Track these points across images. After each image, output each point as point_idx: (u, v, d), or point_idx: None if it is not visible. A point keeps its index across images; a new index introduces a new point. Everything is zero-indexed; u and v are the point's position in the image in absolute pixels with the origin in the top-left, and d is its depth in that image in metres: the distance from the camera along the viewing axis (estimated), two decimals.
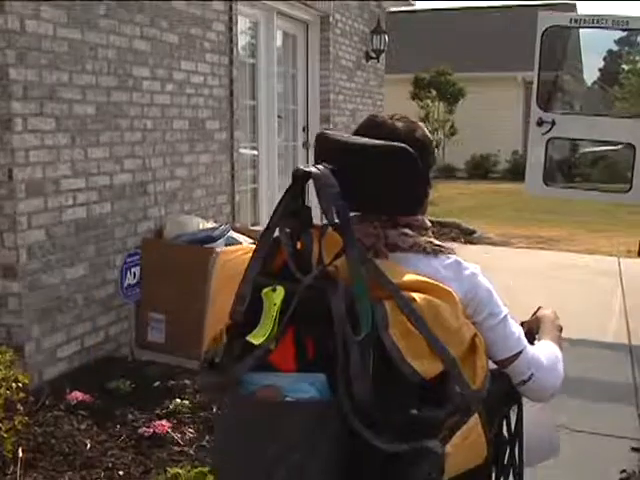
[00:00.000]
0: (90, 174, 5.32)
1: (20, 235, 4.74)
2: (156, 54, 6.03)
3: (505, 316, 1.95)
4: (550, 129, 7.72)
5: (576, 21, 8.15)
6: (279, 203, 1.78)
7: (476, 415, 1.77)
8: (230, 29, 7.20)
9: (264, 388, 1.71)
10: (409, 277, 1.74)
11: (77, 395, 4.62)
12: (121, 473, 3.90)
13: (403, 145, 1.86)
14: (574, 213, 15.19)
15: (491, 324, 1.91)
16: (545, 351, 2.08)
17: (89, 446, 4.12)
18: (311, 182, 1.74)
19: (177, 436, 4.27)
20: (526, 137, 7.89)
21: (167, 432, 4.26)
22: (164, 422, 4.34)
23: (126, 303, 5.64)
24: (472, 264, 1.94)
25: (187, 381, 5.07)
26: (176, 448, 4.16)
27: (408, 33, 26.10)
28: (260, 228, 8.13)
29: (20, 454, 3.87)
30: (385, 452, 1.63)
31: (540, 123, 7.74)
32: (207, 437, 4.31)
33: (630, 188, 8.04)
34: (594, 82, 42.76)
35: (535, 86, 8.05)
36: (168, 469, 3.78)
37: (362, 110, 11.35)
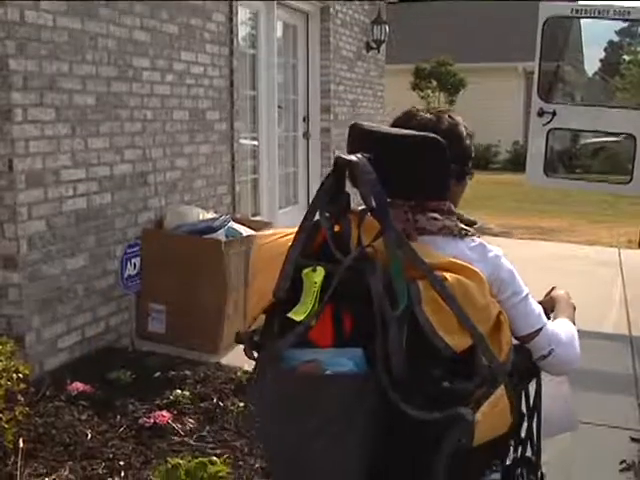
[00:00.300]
0: (90, 164, 5.31)
1: (20, 226, 4.74)
2: (156, 45, 6.02)
3: (526, 295, 2.07)
4: (551, 120, 7.71)
5: (577, 11, 8.12)
6: (320, 189, 1.91)
7: (502, 386, 1.85)
8: (230, 19, 7.18)
9: (305, 363, 1.81)
10: (440, 258, 1.86)
11: (78, 386, 4.62)
12: (122, 463, 3.90)
13: (432, 135, 1.98)
14: (575, 204, 15.19)
15: (514, 302, 2.03)
16: (563, 328, 2.21)
17: (90, 436, 4.12)
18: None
19: (177, 426, 4.27)
20: (527, 128, 7.88)
21: (167, 422, 4.26)
22: (164, 412, 4.34)
23: (126, 294, 5.64)
24: (495, 247, 2.07)
25: (187, 372, 5.08)
26: (176, 438, 4.17)
27: (409, 23, 26.04)
28: (260, 218, 8.14)
29: (21, 444, 3.87)
30: (419, 421, 1.74)
31: (541, 114, 7.72)
32: (207, 427, 4.32)
33: (631, 179, 8.03)
34: (595, 73, 42.68)
35: (536, 76, 8.04)
36: (168, 459, 3.78)
37: (362, 100, 11.34)
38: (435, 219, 2.02)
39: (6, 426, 3.80)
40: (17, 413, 3.93)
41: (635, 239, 8.71)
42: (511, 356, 1.88)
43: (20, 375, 3.96)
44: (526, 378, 2.19)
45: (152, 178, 6.01)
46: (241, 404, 4.58)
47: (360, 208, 1.91)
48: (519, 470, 2.21)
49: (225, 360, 5.44)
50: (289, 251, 1.91)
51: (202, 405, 4.58)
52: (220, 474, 3.65)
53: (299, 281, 1.86)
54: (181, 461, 3.70)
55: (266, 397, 1.93)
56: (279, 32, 9.09)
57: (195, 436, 4.22)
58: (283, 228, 2.11)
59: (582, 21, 10.77)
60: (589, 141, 22.44)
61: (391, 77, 14.30)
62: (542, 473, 2.28)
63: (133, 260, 5.58)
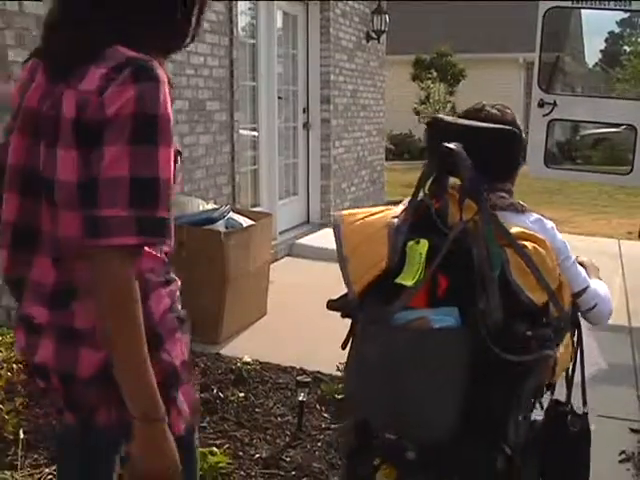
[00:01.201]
0: None
1: None
2: None
3: (575, 260, 2.53)
4: (551, 111, 7.69)
5: (578, 1, 8.11)
6: (423, 172, 2.28)
7: (568, 333, 2.37)
8: (230, 9, 7.17)
9: (414, 320, 2.12)
10: (516, 230, 2.25)
11: None
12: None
13: (509, 127, 2.42)
14: (575, 195, 15.20)
15: (566, 265, 2.43)
16: (601, 287, 2.66)
17: None
18: None
19: None
20: (527, 118, 7.85)
21: None
22: None
23: None
24: (549, 220, 2.50)
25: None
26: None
27: (409, 14, 26.01)
28: (260, 209, 8.13)
29: (21, 435, 3.87)
30: (507, 364, 2.09)
31: (541, 104, 7.71)
32: (207, 418, 4.32)
33: (631, 170, 8.03)
34: (596, 63, 42.66)
35: (536, 67, 8.02)
36: None
37: (362, 91, 11.32)
38: (503, 197, 2.42)
39: (6, 417, 3.81)
40: (17, 404, 3.94)
41: (635, 230, 8.70)
42: (570, 309, 2.36)
43: (20, 366, 3.96)
44: (573, 328, 2.55)
45: None
46: (241, 394, 4.59)
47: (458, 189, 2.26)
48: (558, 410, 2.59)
49: (225, 351, 5.44)
50: (399, 227, 2.24)
51: (202, 396, 4.58)
52: (220, 464, 3.66)
53: (401, 252, 2.20)
54: None
55: (369, 354, 2.19)
56: (279, 22, 9.07)
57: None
58: (358, 209, 2.50)
59: (583, 12, 10.77)
60: (589, 132, 22.45)
61: (391, 68, 14.28)
62: (586, 413, 2.65)
63: None
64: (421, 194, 2.28)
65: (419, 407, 2.14)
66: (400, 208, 2.35)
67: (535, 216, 2.46)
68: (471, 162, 2.18)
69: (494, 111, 2.54)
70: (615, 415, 4.62)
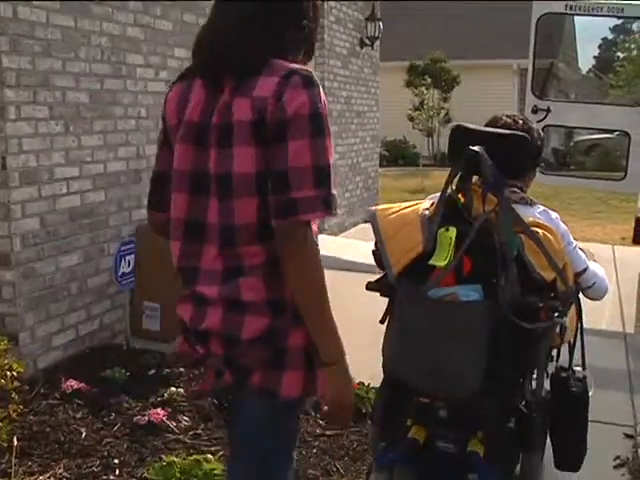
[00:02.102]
0: (84, 162, 5.31)
1: (14, 224, 4.74)
2: (150, 41, 6.00)
3: (576, 244, 3.03)
4: (545, 117, 7.71)
5: (571, 8, 8.12)
6: (451, 172, 2.67)
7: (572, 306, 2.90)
8: None
9: (446, 295, 2.55)
10: (527, 219, 2.72)
11: (72, 383, 4.62)
12: (116, 461, 3.90)
13: (520, 133, 2.88)
14: (569, 201, 15.21)
15: (569, 249, 2.91)
16: (598, 269, 3.17)
17: (84, 434, 4.12)
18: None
19: (172, 424, 4.27)
20: None
21: (162, 420, 4.26)
22: (159, 410, 4.34)
23: (121, 291, 5.63)
24: (553, 212, 2.99)
25: (182, 369, 5.07)
26: (171, 436, 4.17)
27: (403, 20, 26.05)
28: None
29: (15, 443, 3.87)
30: (523, 331, 2.54)
31: (535, 111, 7.73)
32: (202, 425, 4.31)
33: (625, 176, 8.05)
34: (589, 70, 42.76)
35: (530, 74, 8.05)
36: (163, 457, 3.79)
37: (356, 97, 11.33)
38: (515, 192, 2.89)
39: (0, 424, 3.80)
40: (11, 411, 3.93)
41: (629, 236, 8.71)
42: (574, 286, 2.89)
43: (14, 373, 3.96)
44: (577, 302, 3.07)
45: (146, 175, 6.00)
46: None
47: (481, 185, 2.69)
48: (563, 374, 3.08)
49: None
50: (433, 216, 2.63)
51: (196, 403, 4.57)
52: (215, 471, 3.65)
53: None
54: (176, 459, 3.70)
55: (410, 324, 2.64)
56: None
57: (190, 434, 4.22)
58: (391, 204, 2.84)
59: (576, 18, 10.80)
60: (583, 138, 22.47)
61: (385, 74, 14.29)
62: (585, 376, 3.09)
63: (127, 258, 5.57)
64: (449, 190, 2.67)
65: (453, 366, 2.53)
66: (428, 203, 2.76)
67: (542, 208, 2.97)
68: (492, 162, 2.61)
69: (509, 120, 3.08)
70: (610, 421, 4.62)
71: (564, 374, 3.08)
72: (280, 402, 2.18)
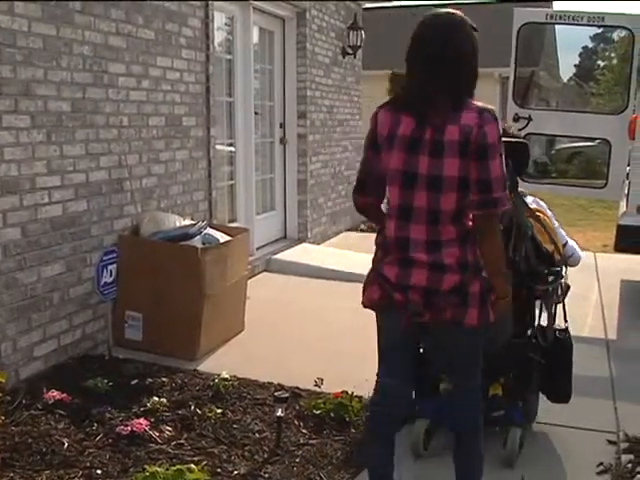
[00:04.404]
0: (66, 172, 5.29)
1: None
2: (132, 50, 5.99)
3: (559, 224, 4.51)
4: (526, 125, 7.76)
5: (552, 17, 8.19)
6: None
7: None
8: (206, 25, 7.17)
9: None
10: (531, 206, 4.26)
11: (54, 394, 4.59)
12: (99, 472, 3.88)
13: (521, 140, 4.37)
14: (552, 212, 15.23)
15: (556, 228, 4.40)
16: (574, 243, 4.65)
17: (66, 445, 4.09)
18: None
19: (155, 434, 4.25)
20: None
21: (145, 430, 4.24)
22: (142, 420, 4.31)
23: (103, 301, 5.61)
24: (540, 200, 4.45)
25: (165, 379, 5.06)
26: (154, 446, 4.14)
27: (385, 29, 26.09)
28: (237, 225, 8.12)
29: None
30: (538, 290, 4.14)
31: (517, 119, 7.77)
32: (185, 435, 4.30)
33: (606, 184, 8.09)
34: (570, 78, 42.97)
35: (511, 82, 8.09)
36: (146, 467, 3.76)
37: (339, 106, 11.35)
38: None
39: None
40: None
41: (610, 243, 8.74)
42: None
43: None
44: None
45: (128, 185, 5.98)
46: (219, 411, 4.57)
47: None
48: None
49: (202, 367, 5.42)
50: None
51: (180, 412, 4.56)
52: None
53: None
54: (159, 469, 3.68)
55: None
56: (255, 38, 9.08)
57: (173, 443, 4.20)
58: None
59: (557, 27, 10.85)
60: (565, 146, 22.58)
61: (367, 83, 14.31)
62: (567, 327, 4.39)
63: (109, 267, 5.55)
64: None
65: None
66: None
67: (532, 198, 4.40)
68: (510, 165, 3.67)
69: (516, 131, 4.62)
70: (593, 427, 4.63)
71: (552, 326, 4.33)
72: (464, 329, 3.21)
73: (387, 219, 3.26)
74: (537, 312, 4.29)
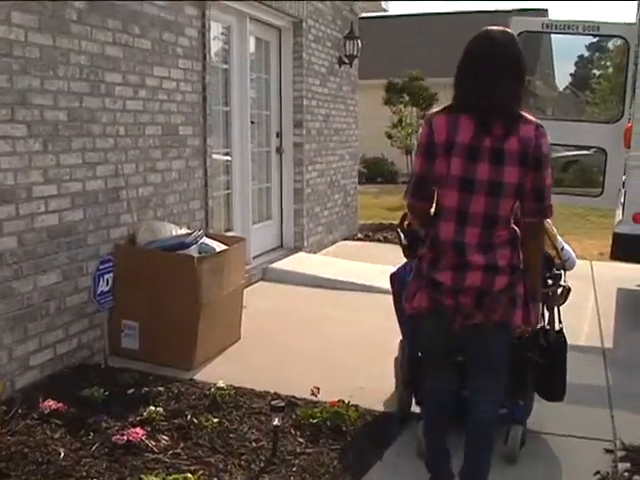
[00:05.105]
0: (62, 181, 5.29)
1: None
2: (128, 60, 6.00)
3: (556, 231, 4.63)
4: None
5: (547, 26, 8.21)
6: None
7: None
8: (203, 34, 7.18)
9: None
10: None
11: (50, 404, 4.58)
12: None
13: None
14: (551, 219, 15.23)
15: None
16: (569, 248, 4.72)
17: (63, 455, 4.08)
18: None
19: (151, 444, 4.24)
20: None
21: (141, 440, 4.23)
22: (138, 430, 4.30)
23: (99, 310, 5.60)
24: None
25: (161, 388, 5.05)
26: (150, 455, 4.13)
27: (381, 39, 26.18)
28: (234, 234, 8.12)
29: None
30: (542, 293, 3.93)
31: None
32: (181, 444, 4.29)
33: (602, 192, 8.11)
34: (566, 87, 43.08)
35: None
36: (143, 477, 3.76)
37: (335, 115, 11.36)
38: None
39: None
40: None
41: (606, 251, 8.76)
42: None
43: None
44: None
45: (124, 194, 5.99)
46: (215, 420, 4.56)
47: None
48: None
49: (199, 376, 5.42)
50: None
51: (176, 422, 4.55)
52: None
53: None
54: (155, 478, 3.68)
55: None
56: (252, 47, 9.09)
57: (169, 453, 4.19)
58: None
59: (553, 36, 10.88)
60: (561, 155, 22.61)
61: (364, 92, 14.34)
62: (561, 328, 4.55)
63: (106, 276, 5.55)
64: None
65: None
66: None
67: None
68: None
69: None
70: (589, 436, 4.63)
71: (548, 328, 4.48)
72: (511, 329, 3.47)
73: (440, 223, 3.40)
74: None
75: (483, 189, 3.28)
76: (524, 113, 3.35)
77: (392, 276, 4.74)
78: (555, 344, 4.50)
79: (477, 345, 3.53)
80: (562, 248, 4.59)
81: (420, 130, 3.55)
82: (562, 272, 4.47)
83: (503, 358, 3.56)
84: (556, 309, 4.53)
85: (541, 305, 4.35)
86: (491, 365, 3.55)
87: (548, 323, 4.51)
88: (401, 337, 4.78)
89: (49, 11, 5.10)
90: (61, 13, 5.22)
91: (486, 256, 3.31)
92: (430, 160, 3.36)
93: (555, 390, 4.57)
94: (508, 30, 3.47)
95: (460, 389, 3.81)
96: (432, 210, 3.50)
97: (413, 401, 4.62)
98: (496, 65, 3.33)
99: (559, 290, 4.46)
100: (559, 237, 4.63)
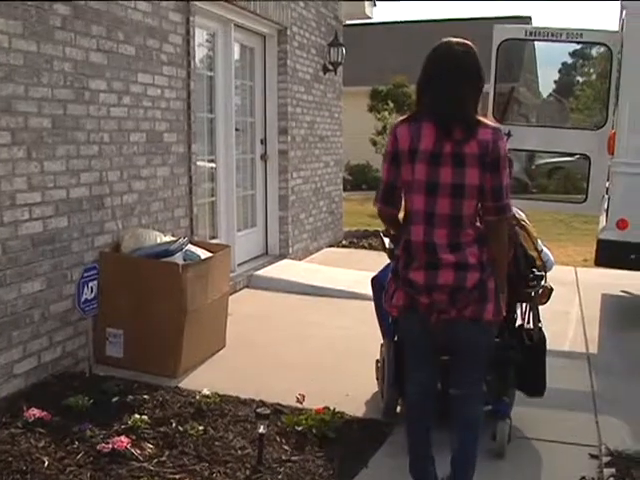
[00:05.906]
0: (46, 188, 5.27)
1: None
2: (113, 66, 5.99)
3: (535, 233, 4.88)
4: (506, 140, 7.77)
5: (531, 34, 8.24)
6: None
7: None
8: (187, 41, 7.18)
9: None
10: (517, 216, 4.61)
11: (34, 412, 4.56)
12: None
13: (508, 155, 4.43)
14: (531, 223, 15.29)
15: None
16: (547, 250, 4.89)
17: (47, 464, 4.06)
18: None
19: (136, 452, 4.22)
20: None
21: (126, 448, 4.21)
22: (123, 438, 4.29)
23: (83, 318, 5.58)
24: (520, 210, 4.75)
25: (146, 396, 5.03)
26: (135, 464, 4.12)
27: (365, 46, 26.21)
28: (218, 241, 8.11)
29: None
30: (525, 293, 4.55)
31: None
32: (167, 452, 4.27)
33: (586, 199, 8.14)
34: (549, 94, 43.21)
35: (491, 98, 8.12)
36: None
37: (320, 122, 11.37)
38: None
39: None
40: None
41: (591, 258, 8.80)
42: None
43: None
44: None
45: (109, 201, 5.97)
46: (200, 428, 4.54)
47: None
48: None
49: (184, 384, 5.40)
50: None
51: (161, 430, 4.53)
52: None
53: None
54: None
55: None
56: (236, 54, 9.09)
57: (154, 461, 4.17)
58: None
59: (536, 43, 10.92)
60: (544, 161, 22.70)
61: (348, 99, 14.36)
62: (540, 327, 4.72)
63: (90, 284, 5.53)
64: None
65: None
66: None
67: (515, 208, 4.19)
68: None
69: None
70: (574, 441, 4.64)
71: (526, 327, 4.74)
72: (483, 324, 3.56)
73: (410, 226, 3.56)
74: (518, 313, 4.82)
75: (447, 191, 3.44)
76: (481, 118, 3.54)
77: (373, 280, 4.90)
78: (538, 342, 4.70)
79: (453, 339, 3.64)
80: (541, 250, 4.72)
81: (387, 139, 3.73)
82: (544, 273, 4.63)
83: (481, 351, 3.69)
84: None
85: (524, 305, 4.78)
86: (470, 358, 3.68)
87: (531, 322, 4.73)
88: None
89: (34, 17, 5.09)
90: (45, 19, 5.20)
91: (456, 255, 3.47)
92: (396, 167, 3.54)
93: (537, 385, 4.74)
94: (466, 41, 3.64)
95: (445, 388, 3.82)
96: (400, 215, 3.69)
97: (399, 403, 4.74)
98: (454, 74, 3.51)
99: (541, 290, 4.64)
100: (539, 240, 4.75)
